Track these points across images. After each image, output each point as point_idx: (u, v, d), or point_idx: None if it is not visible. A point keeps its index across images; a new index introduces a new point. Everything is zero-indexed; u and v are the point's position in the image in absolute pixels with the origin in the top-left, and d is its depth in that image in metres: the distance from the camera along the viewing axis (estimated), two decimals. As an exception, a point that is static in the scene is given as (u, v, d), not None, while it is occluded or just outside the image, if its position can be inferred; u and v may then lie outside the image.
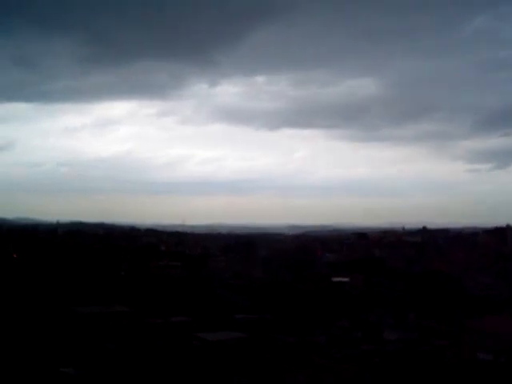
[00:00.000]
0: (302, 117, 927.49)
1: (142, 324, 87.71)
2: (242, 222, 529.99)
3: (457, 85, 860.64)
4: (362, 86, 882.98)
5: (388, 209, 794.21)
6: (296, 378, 62.81)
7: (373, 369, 65.01)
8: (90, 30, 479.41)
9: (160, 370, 62.98)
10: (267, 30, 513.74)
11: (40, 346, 68.81)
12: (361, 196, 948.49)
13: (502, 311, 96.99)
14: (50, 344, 70.32)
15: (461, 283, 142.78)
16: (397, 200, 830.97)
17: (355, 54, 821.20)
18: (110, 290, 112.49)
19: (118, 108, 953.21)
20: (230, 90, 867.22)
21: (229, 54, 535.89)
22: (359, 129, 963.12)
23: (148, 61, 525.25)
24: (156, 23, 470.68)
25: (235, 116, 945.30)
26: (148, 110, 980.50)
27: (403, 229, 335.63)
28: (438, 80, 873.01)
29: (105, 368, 62.28)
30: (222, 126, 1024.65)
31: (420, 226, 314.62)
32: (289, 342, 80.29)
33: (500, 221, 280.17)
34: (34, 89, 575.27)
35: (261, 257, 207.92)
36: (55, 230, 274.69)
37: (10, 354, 63.66)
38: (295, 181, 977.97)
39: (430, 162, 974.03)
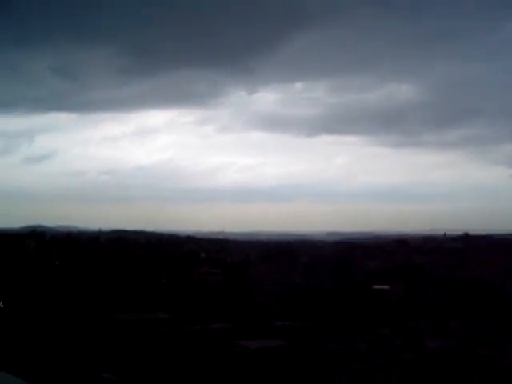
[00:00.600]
0: (341, 123, 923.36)
1: (183, 331, 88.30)
2: (281, 229, 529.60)
3: (498, 89, 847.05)
4: (401, 90, 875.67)
5: (429, 215, 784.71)
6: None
7: (415, 377, 64.44)
8: (129, 40, 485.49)
9: (201, 376, 63.34)
10: (305, 37, 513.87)
11: (82, 353, 69.73)
12: (401, 202, 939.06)
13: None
14: (92, 350, 71.23)
15: (503, 290, 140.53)
16: (438, 206, 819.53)
17: (394, 59, 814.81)
18: (152, 297, 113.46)
19: (157, 117, 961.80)
20: (268, 98, 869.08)
21: (267, 61, 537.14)
22: (399, 134, 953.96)
23: (187, 70, 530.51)
24: (194, 32, 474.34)
25: (273, 123, 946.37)
26: (187, 119, 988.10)
27: (445, 235, 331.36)
28: (478, 84, 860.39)
29: (146, 375, 62.88)
30: (261, 133, 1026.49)
31: (461, 232, 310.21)
32: (329, 349, 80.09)
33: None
34: (75, 99, 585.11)
35: (301, 264, 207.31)
36: (97, 237, 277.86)
37: (53, 360, 64.64)
38: (334, 187, 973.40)
39: (471, 167, 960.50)
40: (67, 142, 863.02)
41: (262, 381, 63.20)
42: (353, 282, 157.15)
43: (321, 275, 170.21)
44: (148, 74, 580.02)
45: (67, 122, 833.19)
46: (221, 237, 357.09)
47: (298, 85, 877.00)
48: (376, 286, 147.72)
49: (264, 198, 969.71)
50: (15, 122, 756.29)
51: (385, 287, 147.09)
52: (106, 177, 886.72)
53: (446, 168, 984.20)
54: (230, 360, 71.15)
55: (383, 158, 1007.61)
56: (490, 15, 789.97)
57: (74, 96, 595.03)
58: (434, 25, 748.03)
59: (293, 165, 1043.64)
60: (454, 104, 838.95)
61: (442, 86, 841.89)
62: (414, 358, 76.61)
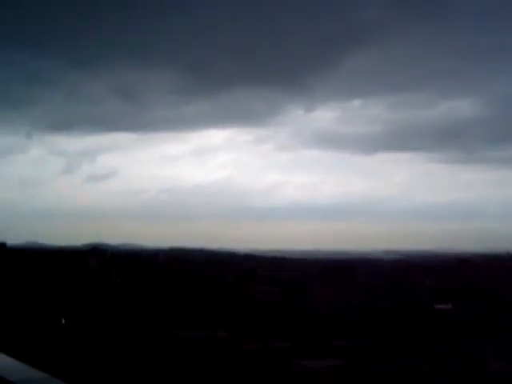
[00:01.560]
0: (399, 140, 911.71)
1: (241, 349, 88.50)
2: (338, 247, 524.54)
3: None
4: (460, 106, 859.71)
5: (490, 233, 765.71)
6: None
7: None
8: (189, 60, 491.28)
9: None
10: (362, 53, 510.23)
11: (141, 370, 70.60)
12: (460, 220, 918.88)
13: None
14: (150, 367, 72.06)
15: None
16: (499, 224, 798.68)
17: (453, 74, 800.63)
18: (210, 315, 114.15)
19: (216, 136, 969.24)
20: (326, 115, 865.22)
21: (324, 78, 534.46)
22: (458, 151, 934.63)
23: (244, 88, 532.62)
24: (252, 51, 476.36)
25: (331, 141, 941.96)
26: (245, 137, 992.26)
27: (508, 254, 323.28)
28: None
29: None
30: (318, 151, 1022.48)
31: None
32: (387, 370, 79.09)
33: None
34: (135, 119, 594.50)
35: (359, 282, 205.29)
36: (157, 255, 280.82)
37: (113, 376, 65.66)
38: (392, 205, 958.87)
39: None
40: (127, 162, 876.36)
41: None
42: (412, 301, 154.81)
43: (379, 294, 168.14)
44: (207, 94, 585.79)
45: (127, 141, 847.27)
46: (278, 255, 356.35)
47: (356, 102, 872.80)
48: (437, 306, 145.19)
49: (321, 215, 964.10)
50: (77, 142, 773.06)
51: (446, 306, 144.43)
52: (165, 195, 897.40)
53: (506, 185, 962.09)
54: (288, 379, 70.98)
55: (442, 174, 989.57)
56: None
57: (134, 116, 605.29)
58: (493, 39, 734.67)
59: (350, 182, 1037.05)
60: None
61: (501, 100, 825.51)
62: (476, 380, 74.91)
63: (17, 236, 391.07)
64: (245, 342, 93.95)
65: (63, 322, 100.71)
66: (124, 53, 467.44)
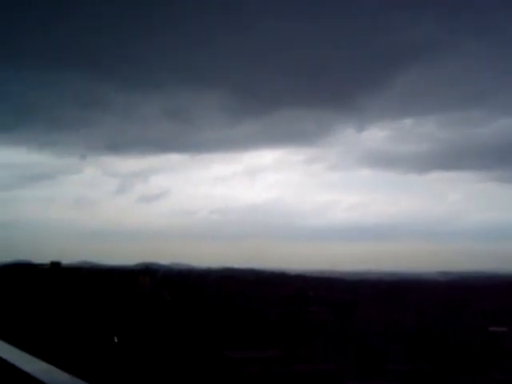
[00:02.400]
0: (452, 159, 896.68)
1: (291, 370, 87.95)
2: (390, 268, 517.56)
3: None
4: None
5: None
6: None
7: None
8: (239, 80, 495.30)
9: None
10: (413, 71, 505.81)
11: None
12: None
13: None
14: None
15: None
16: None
17: (508, 91, 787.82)
18: (261, 335, 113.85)
19: (266, 156, 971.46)
20: (377, 135, 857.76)
21: (375, 97, 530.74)
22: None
23: (294, 109, 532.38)
24: (302, 71, 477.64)
25: (383, 160, 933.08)
26: (295, 158, 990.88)
27: None
28: None
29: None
30: (370, 170, 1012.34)
31: None
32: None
33: None
34: (186, 140, 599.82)
35: (412, 304, 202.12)
36: (207, 275, 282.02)
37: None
38: (446, 225, 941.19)
39: None
40: (179, 182, 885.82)
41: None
42: (466, 323, 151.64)
43: (432, 316, 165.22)
44: (257, 114, 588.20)
45: (179, 162, 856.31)
46: (329, 275, 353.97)
47: (408, 121, 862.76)
48: (492, 328, 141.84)
49: (373, 235, 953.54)
50: (130, 163, 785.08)
51: (501, 329, 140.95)
52: (216, 215, 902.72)
53: None
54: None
55: (498, 193, 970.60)
56: None
57: (186, 137, 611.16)
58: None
59: (403, 202, 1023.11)
60: None
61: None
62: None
63: (71, 255, 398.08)
64: (295, 362, 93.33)
65: (116, 340, 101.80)
66: (176, 75, 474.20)
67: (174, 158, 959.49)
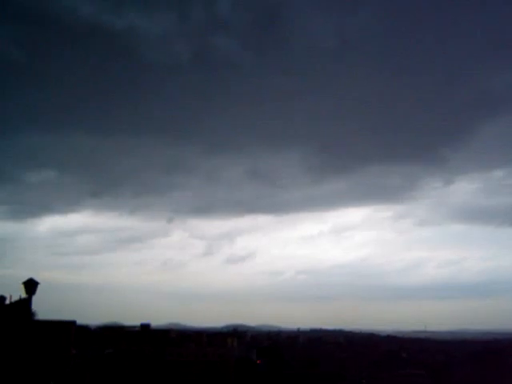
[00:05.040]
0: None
1: None
2: (487, 326, 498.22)
3: None
4: None
5: None
6: None
7: None
8: (321, 140, 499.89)
9: None
10: (499, 122, 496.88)
11: None
12: None
13: None
14: None
15: None
16: None
17: None
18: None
19: (352, 214, 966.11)
20: (465, 188, 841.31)
21: (461, 150, 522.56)
22: None
23: (378, 165, 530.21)
24: (384, 127, 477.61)
25: (473, 214, 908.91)
26: (383, 214, 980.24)
27: None
28: None
29: None
30: (460, 225, 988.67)
31: None
32: None
33: None
34: (271, 200, 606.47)
35: (511, 365, 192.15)
36: (296, 337, 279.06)
37: None
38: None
39: None
40: (265, 243, 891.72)
41: None
42: None
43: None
44: (341, 172, 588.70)
45: (265, 223, 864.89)
46: (423, 336, 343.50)
47: (497, 172, 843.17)
48: None
49: (468, 293, 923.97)
50: (216, 224, 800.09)
51: None
52: (303, 276, 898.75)
53: None
54: None
55: None
56: None
57: (270, 197, 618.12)
58: None
59: (498, 257, 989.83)
60: None
61: None
62: None
63: (160, 317, 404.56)
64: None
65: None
66: (258, 137, 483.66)
67: (259, 218, 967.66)
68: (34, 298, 36.92)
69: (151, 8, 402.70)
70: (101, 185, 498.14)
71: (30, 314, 40.74)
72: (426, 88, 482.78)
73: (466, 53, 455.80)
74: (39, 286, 36.11)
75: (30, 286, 35.90)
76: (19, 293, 38.13)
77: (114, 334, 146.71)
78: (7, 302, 40.62)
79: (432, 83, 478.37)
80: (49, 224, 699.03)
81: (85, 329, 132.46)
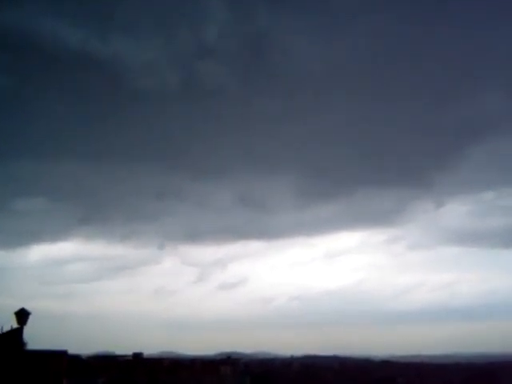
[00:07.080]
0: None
1: None
2: (481, 350, 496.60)
3: None
4: None
5: None
6: None
7: None
8: (308, 164, 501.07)
9: None
10: (487, 144, 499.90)
11: None
12: None
13: None
14: None
15: None
16: None
17: None
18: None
19: (343, 238, 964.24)
20: (457, 210, 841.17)
21: (451, 173, 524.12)
22: None
23: (368, 189, 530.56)
24: (372, 153, 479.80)
25: (465, 236, 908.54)
26: (375, 238, 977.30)
27: None
28: None
29: None
30: (453, 247, 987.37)
31: None
32: None
33: None
34: (261, 226, 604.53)
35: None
36: (290, 363, 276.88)
37: None
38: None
39: None
40: (257, 269, 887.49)
41: None
42: None
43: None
44: (330, 197, 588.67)
45: (257, 248, 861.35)
46: (417, 360, 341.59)
47: (488, 194, 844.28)
48: None
49: (461, 317, 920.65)
50: (208, 251, 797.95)
51: None
52: (296, 302, 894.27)
53: None
54: None
55: None
56: None
57: (261, 223, 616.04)
58: None
59: (491, 279, 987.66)
60: None
61: None
62: None
63: (152, 345, 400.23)
64: None
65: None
66: (246, 162, 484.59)
67: (250, 244, 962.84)
68: (25, 328, 36.87)
69: (137, 34, 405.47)
70: (90, 212, 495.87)
71: (22, 344, 40.60)
72: (415, 112, 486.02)
73: (453, 77, 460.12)
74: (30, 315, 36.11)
75: (22, 316, 35.88)
76: (10, 323, 38.04)
77: (106, 363, 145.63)
78: (-1, 332, 40.49)
79: (421, 107, 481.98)
80: (38, 252, 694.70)
81: (76, 358, 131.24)
